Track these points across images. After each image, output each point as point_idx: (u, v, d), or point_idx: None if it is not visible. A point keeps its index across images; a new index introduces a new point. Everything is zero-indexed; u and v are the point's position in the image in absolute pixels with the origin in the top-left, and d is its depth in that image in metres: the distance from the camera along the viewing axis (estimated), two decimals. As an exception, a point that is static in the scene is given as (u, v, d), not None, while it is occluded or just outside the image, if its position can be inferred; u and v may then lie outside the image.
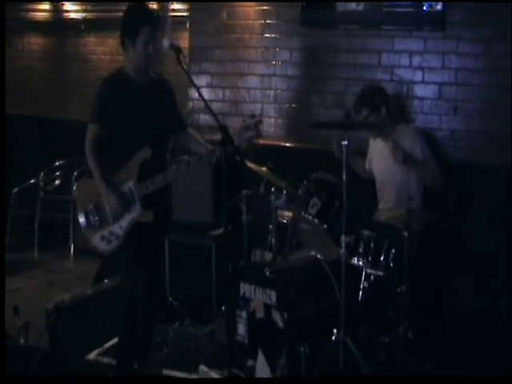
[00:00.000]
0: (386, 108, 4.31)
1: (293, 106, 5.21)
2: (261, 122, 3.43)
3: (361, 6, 4.75)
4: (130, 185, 3.52)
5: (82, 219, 3.66)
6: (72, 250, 6.23)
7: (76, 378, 3.71)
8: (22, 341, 3.89)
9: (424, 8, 4.54)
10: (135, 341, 3.68)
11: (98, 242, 3.61)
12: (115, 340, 3.89)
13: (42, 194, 6.39)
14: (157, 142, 3.56)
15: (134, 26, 3.48)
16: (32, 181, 6.39)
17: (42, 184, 6.41)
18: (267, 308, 3.77)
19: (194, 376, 3.87)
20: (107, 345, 4.17)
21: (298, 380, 3.62)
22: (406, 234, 3.67)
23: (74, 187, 6.21)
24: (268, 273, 3.85)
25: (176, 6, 5.99)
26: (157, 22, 3.58)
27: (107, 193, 3.51)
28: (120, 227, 3.54)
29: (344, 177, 3.53)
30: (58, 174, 6.50)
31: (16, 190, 6.35)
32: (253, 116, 3.45)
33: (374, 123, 4.26)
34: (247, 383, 3.78)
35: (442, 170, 4.22)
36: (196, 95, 4.86)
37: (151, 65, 3.56)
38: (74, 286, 5.24)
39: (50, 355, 3.84)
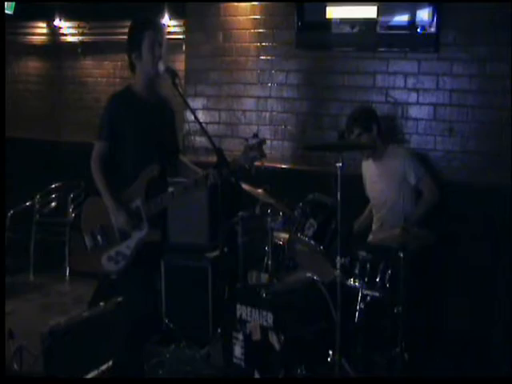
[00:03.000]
0: (377, 128, 4.34)
1: (288, 127, 5.24)
2: (264, 141, 3.43)
3: (356, 29, 4.80)
4: (137, 203, 3.47)
5: (88, 239, 3.58)
6: (68, 273, 6.19)
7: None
8: (15, 366, 3.85)
9: (418, 30, 4.59)
10: (131, 363, 3.64)
11: (105, 263, 3.52)
12: (111, 362, 3.86)
13: (37, 216, 6.37)
14: (161, 160, 3.55)
15: (138, 35, 3.50)
16: (28, 203, 6.38)
17: (37, 206, 6.39)
18: (264, 330, 3.76)
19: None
20: (103, 367, 4.14)
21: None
22: (401, 254, 3.67)
23: (71, 210, 6.23)
24: (264, 294, 3.84)
25: (172, 28, 6.04)
26: (158, 25, 3.62)
27: (117, 211, 3.45)
28: (127, 247, 3.48)
29: (339, 198, 3.54)
30: (53, 196, 6.48)
31: (11, 212, 6.34)
32: (255, 136, 3.45)
33: (367, 143, 4.29)
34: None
35: (437, 187, 4.24)
36: (192, 118, 4.90)
37: (159, 76, 3.54)
38: (69, 308, 5.21)
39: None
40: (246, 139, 3.42)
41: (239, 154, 3.38)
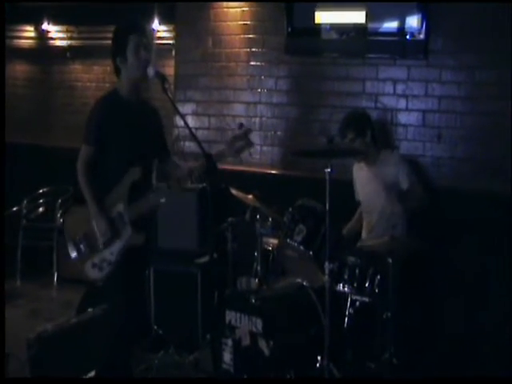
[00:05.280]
0: (370, 133, 4.34)
1: (278, 133, 5.24)
2: (250, 130, 3.43)
3: (345, 35, 4.81)
4: (119, 208, 3.48)
5: (71, 248, 3.58)
6: (55, 279, 6.16)
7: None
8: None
9: (407, 37, 4.61)
10: (118, 368, 3.61)
11: (89, 270, 3.53)
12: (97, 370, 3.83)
13: (24, 221, 6.32)
14: (145, 164, 3.56)
15: (122, 39, 3.49)
16: (15, 208, 6.33)
17: (25, 211, 6.34)
18: (253, 336, 3.75)
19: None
20: (91, 374, 4.10)
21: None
22: (390, 260, 3.67)
23: (59, 215, 6.19)
24: (254, 300, 3.83)
25: (162, 33, 6.03)
26: (143, 29, 3.62)
27: (98, 217, 3.46)
28: (111, 253, 3.48)
29: (327, 204, 3.54)
30: (41, 201, 6.44)
31: (-1, 216, 6.30)
32: (241, 125, 3.45)
33: (357, 149, 4.29)
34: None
35: (426, 193, 4.26)
36: (181, 123, 4.89)
37: (148, 81, 3.54)
38: (57, 314, 5.17)
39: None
40: (232, 130, 3.42)
41: (224, 146, 3.38)
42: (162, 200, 3.52)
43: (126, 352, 3.64)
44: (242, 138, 3.38)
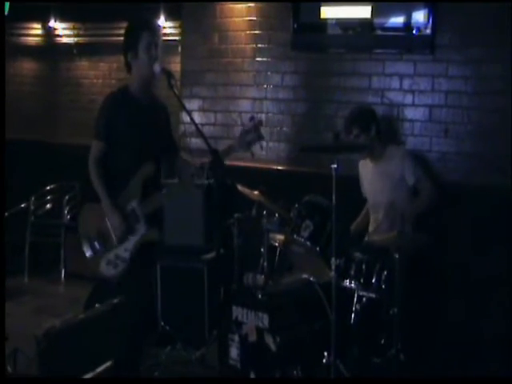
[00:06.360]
0: (376, 128, 4.33)
1: (284, 129, 5.24)
2: (261, 123, 3.43)
3: (351, 30, 4.80)
4: (133, 204, 3.50)
5: (86, 247, 3.59)
6: (63, 275, 6.18)
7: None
8: (9, 368, 3.82)
9: (413, 32, 4.60)
10: (129, 364, 3.62)
11: (103, 267, 3.54)
12: (107, 364, 3.84)
13: (32, 218, 6.35)
14: (156, 160, 3.58)
15: (135, 35, 3.51)
16: (22, 205, 6.35)
17: (32, 208, 6.37)
18: (260, 331, 3.75)
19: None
20: (99, 369, 4.11)
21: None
22: (397, 256, 3.66)
23: (66, 212, 6.21)
24: (260, 296, 3.83)
25: (168, 30, 6.04)
26: (155, 27, 3.65)
27: (111, 212, 3.47)
28: (125, 249, 3.50)
29: (333, 199, 3.54)
30: (48, 198, 6.47)
31: (6, 214, 6.30)
32: (252, 118, 3.45)
33: (364, 145, 4.28)
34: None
35: (435, 187, 4.25)
36: (187, 119, 4.89)
37: (155, 77, 3.55)
38: (64, 311, 5.18)
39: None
40: (243, 124, 3.42)
41: (234, 140, 3.38)
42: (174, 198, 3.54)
43: (136, 348, 3.64)
44: (253, 131, 3.39)
